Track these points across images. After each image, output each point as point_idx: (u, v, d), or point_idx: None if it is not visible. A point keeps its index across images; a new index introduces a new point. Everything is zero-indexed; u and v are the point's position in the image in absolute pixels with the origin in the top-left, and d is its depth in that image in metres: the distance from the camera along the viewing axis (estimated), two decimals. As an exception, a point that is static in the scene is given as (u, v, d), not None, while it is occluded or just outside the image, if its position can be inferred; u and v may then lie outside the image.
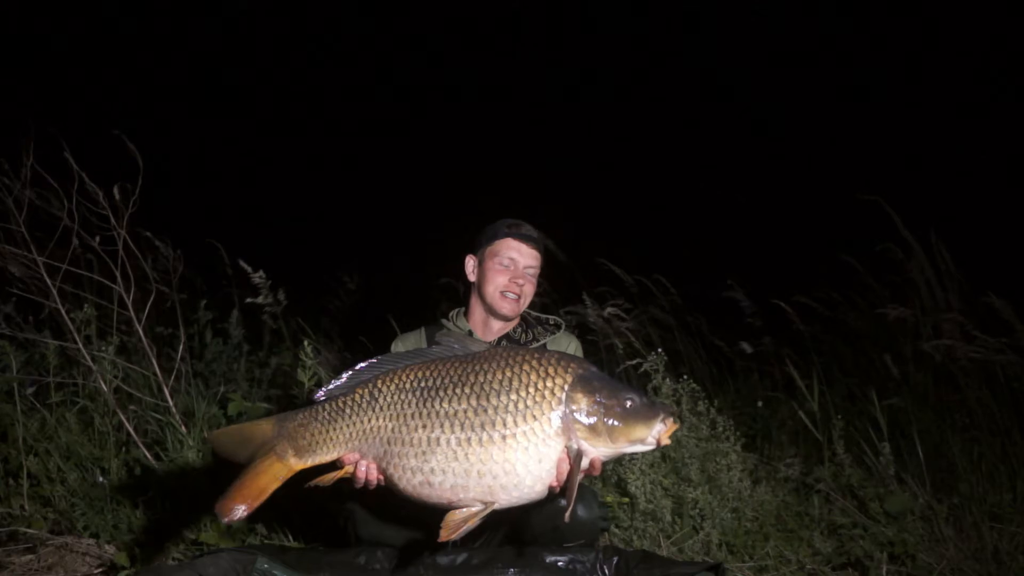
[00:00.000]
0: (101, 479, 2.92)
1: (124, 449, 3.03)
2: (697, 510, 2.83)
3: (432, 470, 1.77)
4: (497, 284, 2.38)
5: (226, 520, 1.85)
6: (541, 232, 2.46)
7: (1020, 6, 6.33)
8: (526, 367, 1.81)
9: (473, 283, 2.48)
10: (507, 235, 2.40)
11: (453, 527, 1.77)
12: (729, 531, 2.80)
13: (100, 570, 2.72)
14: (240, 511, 1.85)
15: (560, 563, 2.18)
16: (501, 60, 9.05)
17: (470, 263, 2.48)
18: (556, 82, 8.95)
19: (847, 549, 2.75)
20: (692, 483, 2.85)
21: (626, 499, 2.90)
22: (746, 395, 4.00)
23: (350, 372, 1.94)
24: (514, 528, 2.25)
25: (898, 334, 3.65)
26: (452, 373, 1.84)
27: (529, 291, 2.42)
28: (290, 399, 3.10)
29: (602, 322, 3.58)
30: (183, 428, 2.99)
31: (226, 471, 2.86)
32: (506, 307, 2.39)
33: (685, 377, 3.01)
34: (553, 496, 1.84)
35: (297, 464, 1.91)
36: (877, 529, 2.77)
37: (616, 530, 2.87)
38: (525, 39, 9.24)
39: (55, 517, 2.89)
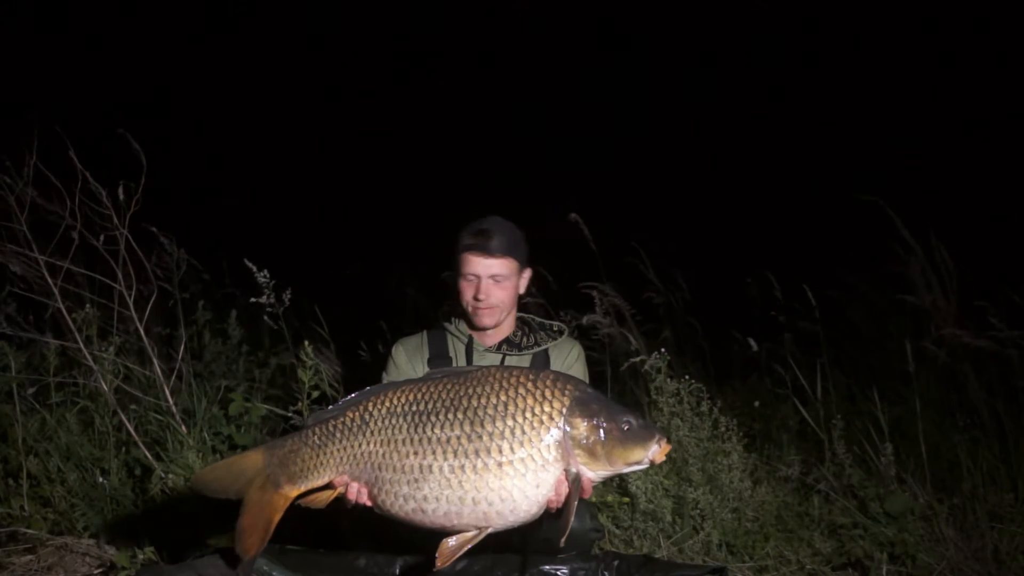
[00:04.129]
0: (101, 479, 2.92)
1: (124, 449, 3.03)
2: (698, 510, 2.83)
3: (425, 497, 1.76)
4: (467, 301, 2.36)
5: (247, 557, 1.90)
6: (506, 233, 2.35)
7: (1021, 6, 6.35)
8: (521, 390, 1.79)
9: (456, 297, 2.47)
10: (465, 250, 2.34)
11: (448, 555, 1.78)
12: (729, 531, 2.81)
13: (100, 570, 2.72)
14: (256, 550, 1.90)
15: (561, 570, 2.18)
16: (515, 52, 9.04)
17: (452, 275, 2.48)
18: (563, 77, 8.94)
19: (847, 549, 2.75)
20: (693, 483, 2.85)
21: (626, 499, 2.90)
22: (746, 395, 4.00)
23: (341, 402, 1.95)
24: (504, 542, 2.25)
25: (901, 332, 3.66)
26: (445, 397, 1.81)
27: (502, 296, 2.35)
28: (291, 399, 3.10)
29: (603, 322, 3.57)
30: (183, 428, 2.99)
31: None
32: (482, 319, 2.37)
33: (687, 377, 3.01)
34: (547, 515, 1.85)
35: (292, 491, 1.92)
36: (877, 529, 2.78)
37: (616, 530, 2.87)
38: (532, 33, 9.23)
39: (55, 518, 2.88)
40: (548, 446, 1.75)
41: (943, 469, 3.18)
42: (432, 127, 8.70)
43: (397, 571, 2.23)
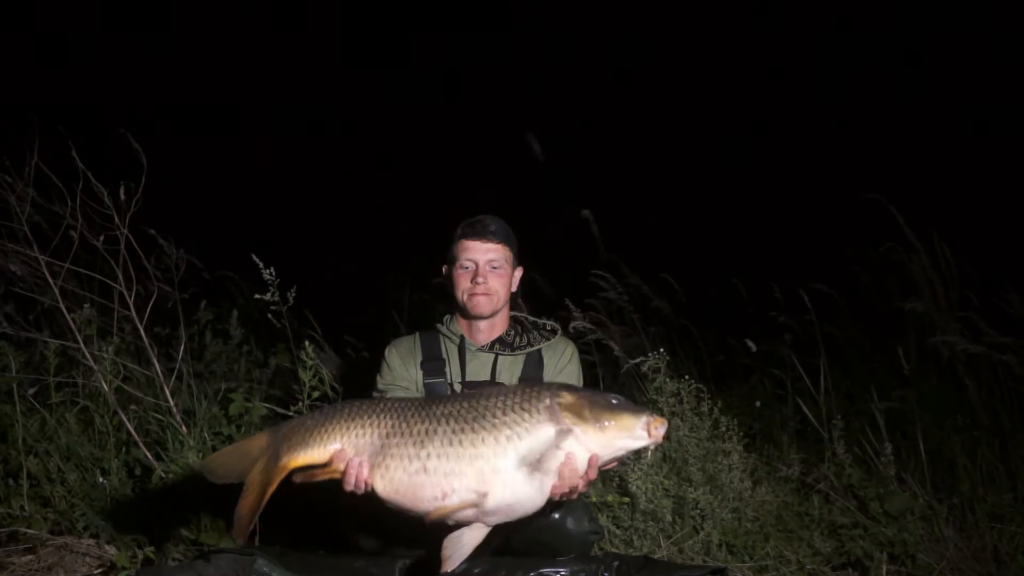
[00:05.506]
0: (101, 479, 2.92)
1: (124, 449, 3.03)
2: (698, 510, 2.83)
3: (428, 455, 1.82)
4: (462, 288, 2.37)
5: (240, 539, 1.90)
6: (502, 224, 2.41)
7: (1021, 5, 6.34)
8: (514, 388, 1.95)
9: (450, 291, 2.47)
10: (462, 237, 2.38)
11: (451, 548, 1.82)
12: (729, 531, 2.81)
13: (100, 570, 2.72)
14: (248, 523, 1.88)
15: (560, 572, 2.18)
16: (513, 51, 9.03)
17: (445, 272, 2.48)
18: (562, 76, 8.94)
19: (847, 549, 2.76)
20: (693, 483, 2.85)
21: (626, 499, 2.90)
22: (746, 395, 3.99)
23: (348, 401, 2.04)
24: (504, 544, 2.24)
25: (902, 332, 3.66)
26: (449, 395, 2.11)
27: (498, 284, 2.37)
28: (291, 399, 3.10)
29: (598, 323, 3.57)
30: (183, 428, 2.99)
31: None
32: (477, 307, 2.36)
33: (687, 377, 3.01)
34: (542, 512, 1.87)
35: (289, 462, 1.91)
36: (877, 529, 2.78)
37: (616, 530, 2.87)
38: (530, 32, 9.23)
39: (55, 517, 2.88)
40: (537, 409, 1.84)
41: (943, 469, 3.18)
42: (430, 128, 8.71)
43: (396, 573, 2.23)
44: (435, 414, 1.87)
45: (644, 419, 1.82)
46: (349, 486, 1.87)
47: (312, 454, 1.90)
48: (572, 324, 3.50)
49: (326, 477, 1.90)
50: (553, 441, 1.79)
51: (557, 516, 2.18)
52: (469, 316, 2.40)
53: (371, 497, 1.87)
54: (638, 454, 1.94)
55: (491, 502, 1.78)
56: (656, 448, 1.89)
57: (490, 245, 2.36)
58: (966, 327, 3.42)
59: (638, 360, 3.09)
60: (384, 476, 1.84)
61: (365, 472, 1.86)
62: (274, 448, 1.92)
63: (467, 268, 2.37)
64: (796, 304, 3.76)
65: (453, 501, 1.79)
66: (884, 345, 3.60)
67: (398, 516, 1.89)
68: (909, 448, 3.20)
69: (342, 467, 1.87)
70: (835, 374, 3.73)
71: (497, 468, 1.78)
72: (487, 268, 2.36)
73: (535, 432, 1.80)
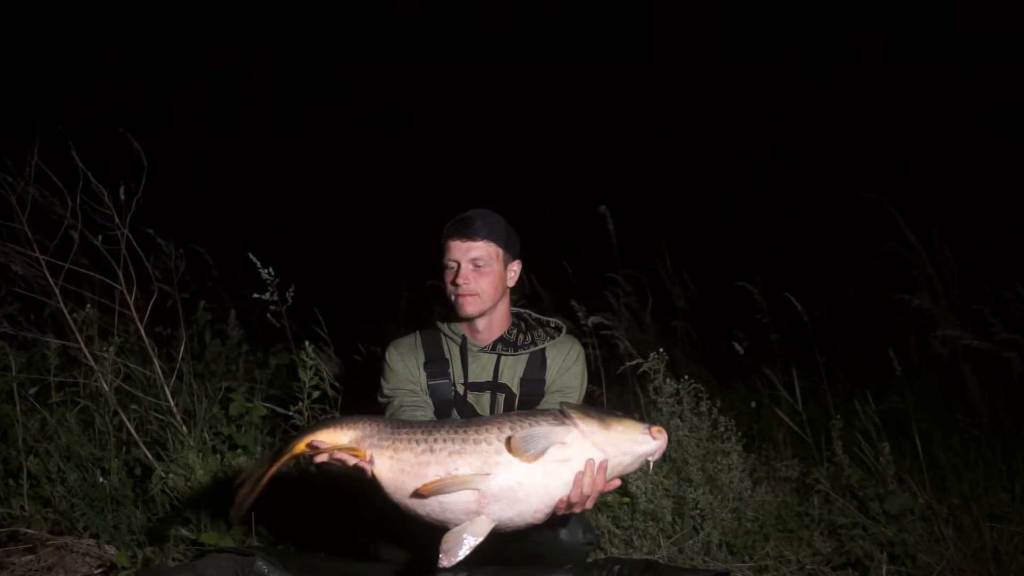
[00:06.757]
0: (101, 479, 2.92)
1: (124, 449, 3.03)
2: (698, 510, 2.83)
3: (435, 439, 1.86)
4: (449, 290, 2.32)
5: (233, 515, 1.93)
6: (488, 219, 2.32)
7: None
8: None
9: (442, 292, 2.43)
10: (446, 236, 2.33)
11: (452, 541, 1.79)
12: (729, 531, 2.81)
13: (100, 570, 2.72)
14: (247, 498, 1.90)
15: None
16: (515, 51, 9.02)
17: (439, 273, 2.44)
18: (562, 77, 8.94)
19: (847, 549, 2.76)
20: (693, 483, 2.85)
21: (626, 499, 2.90)
22: (744, 395, 4.00)
23: None
24: (498, 557, 2.22)
25: (902, 331, 3.66)
26: None
27: (485, 284, 2.29)
28: (291, 399, 3.10)
29: (598, 322, 3.57)
30: (184, 428, 2.99)
31: (227, 471, 2.86)
32: (463, 308, 2.30)
33: (687, 377, 3.01)
34: (545, 525, 1.87)
35: (297, 444, 1.93)
36: (877, 529, 2.78)
37: (616, 530, 2.87)
38: (537, 32, 9.22)
39: (55, 517, 2.89)
40: (543, 413, 1.90)
41: (943, 469, 3.18)
42: (432, 128, 8.71)
43: (395, 577, 2.24)
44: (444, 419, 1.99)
45: (646, 425, 1.84)
46: (352, 462, 1.87)
47: (319, 436, 1.92)
48: (590, 318, 3.48)
49: (332, 455, 1.90)
50: (556, 430, 1.81)
51: (550, 529, 2.18)
52: (460, 318, 2.36)
53: (373, 484, 1.87)
54: (643, 466, 1.93)
55: (494, 483, 1.78)
56: (659, 457, 1.89)
57: (472, 244, 2.28)
58: (968, 325, 3.42)
59: (636, 361, 3.09)
60: (392, 457, 1.86)
61: (367, 455, 1.86)
62: (286, 437, 2.01)
63: (451, 269, 2.31)
64: (796, 304, 3.76)
65: (454, 481, 1.80)
66: (884, 345, 3.60)
67: (397, 510, 1.88)
68: (909, 448, 3.20)
69: (345, 445, 1.90)
70: (835, 373, 3.73)
71: (500, 450, 1.80)
72: (469, 268, 2.28)
73: (538, 421, 1.84)
